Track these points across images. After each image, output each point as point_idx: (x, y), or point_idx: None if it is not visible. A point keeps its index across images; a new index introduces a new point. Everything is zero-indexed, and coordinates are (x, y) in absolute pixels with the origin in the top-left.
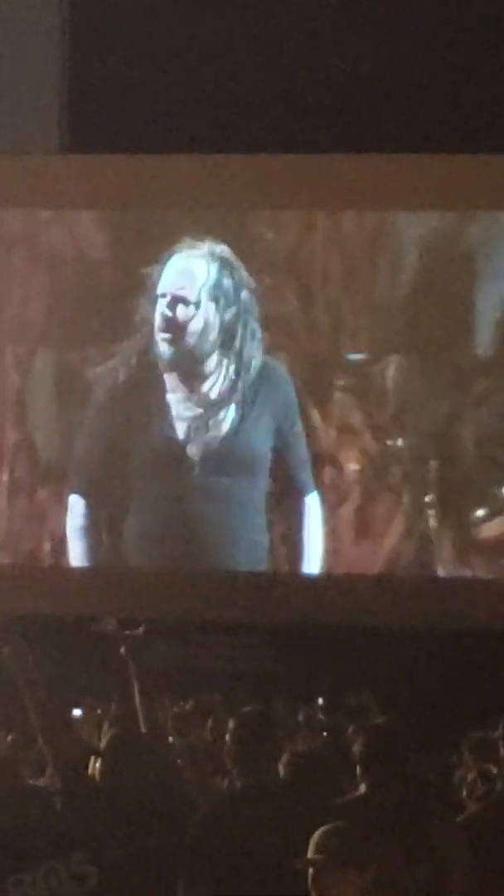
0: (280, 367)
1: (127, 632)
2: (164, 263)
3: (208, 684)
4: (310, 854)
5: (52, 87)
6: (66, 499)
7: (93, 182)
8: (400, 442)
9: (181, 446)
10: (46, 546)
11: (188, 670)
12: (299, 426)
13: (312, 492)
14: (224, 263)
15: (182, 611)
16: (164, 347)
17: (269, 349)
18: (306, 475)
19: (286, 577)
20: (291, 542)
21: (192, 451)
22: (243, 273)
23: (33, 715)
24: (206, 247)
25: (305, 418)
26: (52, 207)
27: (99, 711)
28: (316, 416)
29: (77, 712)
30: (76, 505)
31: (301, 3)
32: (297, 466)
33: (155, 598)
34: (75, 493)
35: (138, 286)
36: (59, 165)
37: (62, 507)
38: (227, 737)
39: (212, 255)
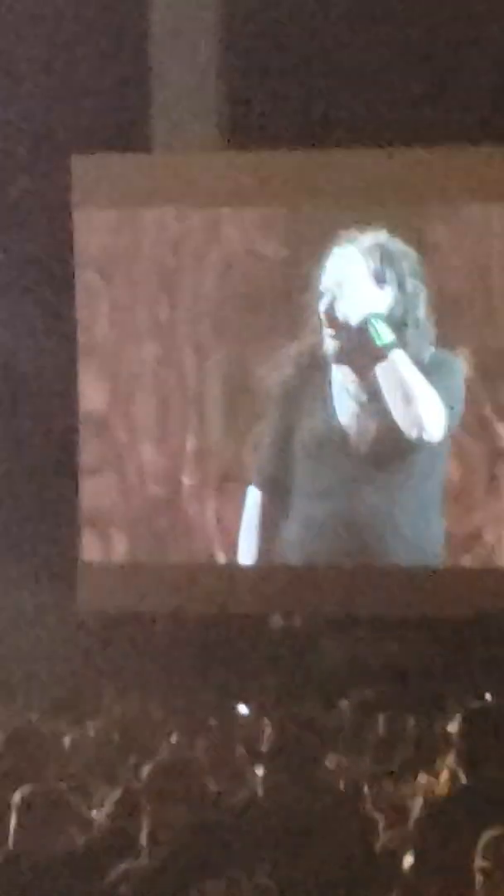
0: (453, 357)
1: (289, 627)
2: (327, 258)
3: (372, 679)
4: (476, 860)
5: (210, 83)
6: (241, 498)
7: (258, 178)
8: None
9: (347, 438)
10: (220, 545)
11: (352, 666)
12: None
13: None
14: (385, 254)
15: (347, 606)
16: (329, 343)
17: (443, 340)
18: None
19: (453, 571)
20: (473, 533)
21: (356, 441)
22: (408, 264)
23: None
24: (367, 238)
25: (479, 409)
26: (218, 205)
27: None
28: (490, 409)
29: (243, 709)
30: (252, 496)
31: None
32: (481, 454)
33: (320, 594)
34: (252, 485)
35: (305, 283)
36: (227, 161)
37: (237, 507)
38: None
39: (372, 247)
